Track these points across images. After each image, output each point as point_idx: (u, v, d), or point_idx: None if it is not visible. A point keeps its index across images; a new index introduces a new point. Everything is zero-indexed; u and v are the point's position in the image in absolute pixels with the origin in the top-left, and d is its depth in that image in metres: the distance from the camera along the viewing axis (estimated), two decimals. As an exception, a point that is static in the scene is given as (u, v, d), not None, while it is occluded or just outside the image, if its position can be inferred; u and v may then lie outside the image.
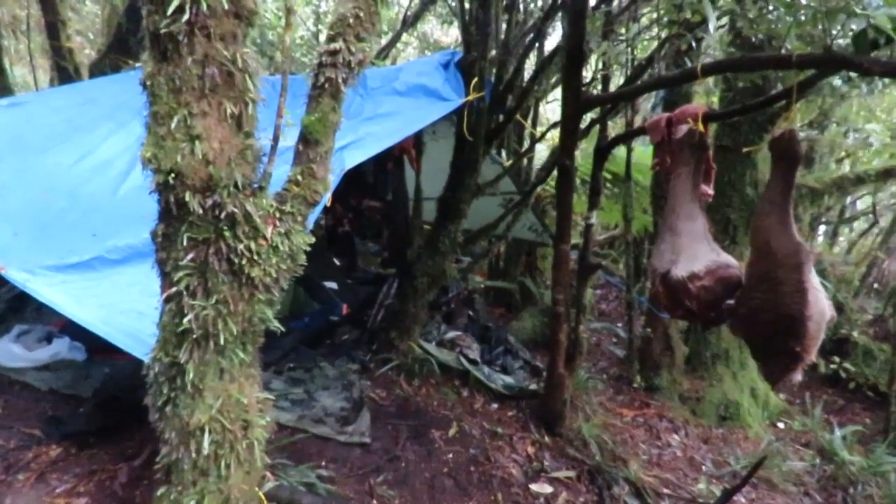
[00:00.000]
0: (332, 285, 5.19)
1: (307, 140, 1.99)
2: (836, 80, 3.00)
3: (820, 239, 9.65)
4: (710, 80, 5.12)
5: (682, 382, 5.62)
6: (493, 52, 3.90)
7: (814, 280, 2.31)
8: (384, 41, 7.73)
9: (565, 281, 4.08)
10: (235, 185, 1.82)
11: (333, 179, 3.13)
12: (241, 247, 1.87)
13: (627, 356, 5.76)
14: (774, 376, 2.49)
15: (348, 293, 5.14)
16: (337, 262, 5.73)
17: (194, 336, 1.91)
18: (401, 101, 3.85)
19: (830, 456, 5.00)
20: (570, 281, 4.12)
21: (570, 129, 3.38)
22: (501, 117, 4.25)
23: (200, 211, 1.82)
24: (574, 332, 4.24)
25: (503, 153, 5.36)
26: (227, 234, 1.86)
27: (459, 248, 4.32)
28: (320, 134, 1.97)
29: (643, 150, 5.68)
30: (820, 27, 2.21)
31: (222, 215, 1.82)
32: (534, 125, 5.40)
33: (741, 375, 5.78)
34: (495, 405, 4.62)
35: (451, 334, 5.16)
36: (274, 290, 1.96)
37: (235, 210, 1.84)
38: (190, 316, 1.88)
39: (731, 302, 2.65)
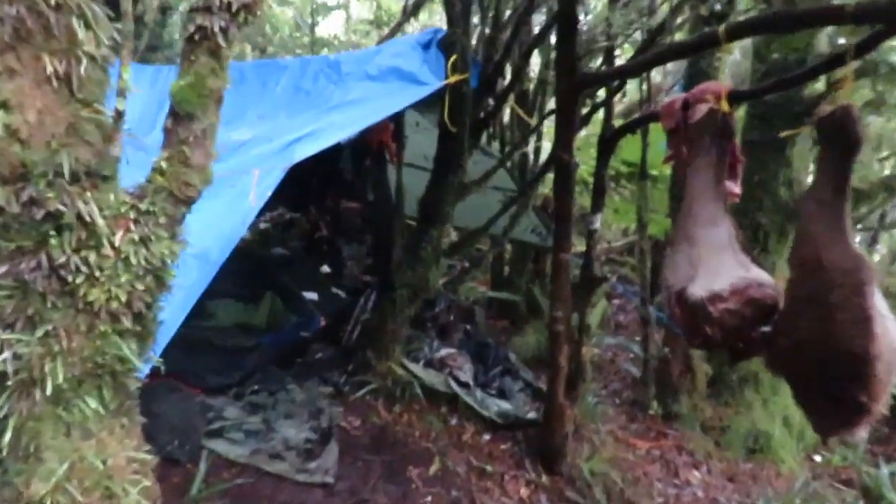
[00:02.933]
0: (313, 296, 4.67)
1: (177, 115, 1.46)
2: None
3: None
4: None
5: (704, 409, 4.97)
6: (481, 28, 3.35)
7: (880, 306, 1.71)
8: (385, 31, 7.22)
9: (565, 295, 3.50)
10: (59, 173, 1.30)
11: (275, 177, 2.65)
12: (75, 259, 1.35)
13: (643, 378, 5.13)
14: (828, 430, 1.89)
15: (330, 305, 4.61)
16: (327, 269, 5.22)
17: (15, 381, 1.38)
18: (372, 87, 3.33)
19: (876, 498, 4.32)
20: (571, 295, 3.54)
21: (566, 114, 2.81)
22: (492, 104, 3.70)
23: (16, 209, 1.30)
24: (576, 354, 3.65)
25: (495, 146, 4.78)
26: (53, 241, 1.33)
27: (445, 255, 3.76)
28: (194, 105, 1.44)
29: (662, 142, 5.04)
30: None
31: (40, 215, 1.30)
32: (540, 116, 4.80)
33: (772, 402, 5.10)
34: (487, 436, 4.04)
35: (443, 352, 4.60)
36: (125, 318, 1.42)
37: (63, 208, 1.31)
38: (6, 355, 1.36)
39: (766, 329, 2.05)
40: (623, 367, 6.01)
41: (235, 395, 3.75)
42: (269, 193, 2.56)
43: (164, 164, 1.45)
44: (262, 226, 5.61)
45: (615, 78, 3.10)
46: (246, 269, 4.89)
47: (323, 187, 4.59)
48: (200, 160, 1.48)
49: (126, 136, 1.45)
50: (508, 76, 3.97)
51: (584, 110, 3.67)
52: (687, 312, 2.31)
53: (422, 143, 4.41)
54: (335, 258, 4.82)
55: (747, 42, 4.79)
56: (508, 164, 4.42)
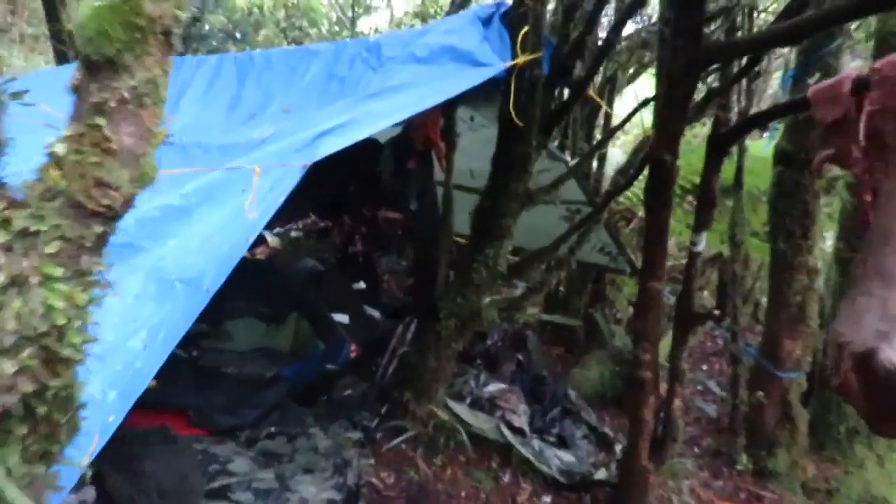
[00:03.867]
0: (343, 318, 4.05)
1: (90, 62, 0.82)
2: None
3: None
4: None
5: (805, 466, 4.13)
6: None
7: None
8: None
9: (655, 334, 2.78)
10: None
11: (291, 178, 2.02)
12: None
13: (731, 426, 4.32)
14: None
15: (363, 331, 3.98)
16: (362, 285, 4.59)
17: None
18: (419, 70, 2.68)
19: None
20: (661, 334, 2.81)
21: (675, 100, 2.10)
22: (567, 94, 3.01)
23: None
24: (667, 408, 2.92)
25: (566, 151, 4.07)
26: None
27: (503, 278, 3.07)
28: (119, 45, 0.80)
29: (760, 147, 4.25)
30: None
31: None
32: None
33: (889, 459, 4.23)
34: (547, 498, 3.33)
35: (492, 388, 3.91)
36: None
37: None
38: None
39: None
40: (698, 406, 5.19)
41: (247, 441, 3.14)
42: (283, 199, 1.93)
43: (62, 150, 0.81)
44: (294, 234, 5.04)
45: (758, 49, 2.34)
46: (271, 283, 4.31)
47: (360, 194, 3.97)
48: (131, 142, 0.84)
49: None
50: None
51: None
52: (877, 382, 1.56)
53: (471, 150, 3.74)
54: (371, 275, 4.20)
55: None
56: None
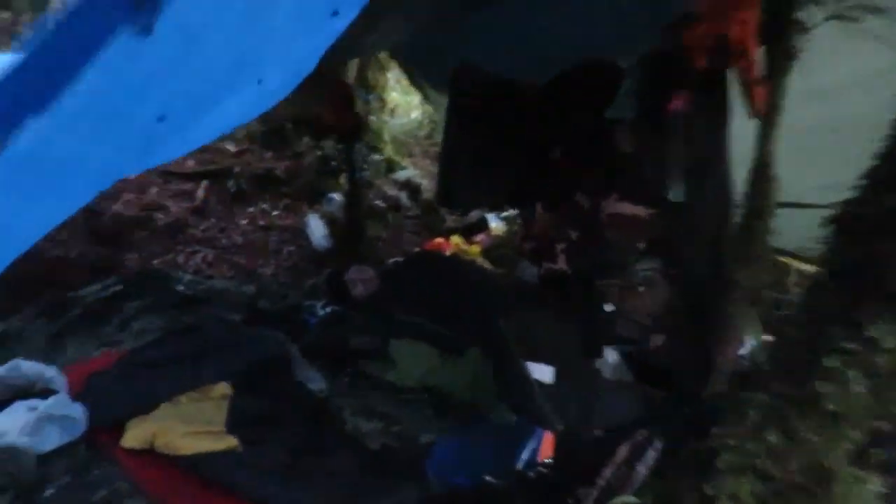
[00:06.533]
0: (545, 372, 2.52)
1: None
2: None
3: None
4: None
5: None
6: None
7: None
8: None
9: None
10: None
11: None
12: None
13: None
14: None
15: (574, 404, 2.37)
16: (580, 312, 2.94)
17: None
18: None
19: None
20: None
21: None
22: None
23: None
24: None
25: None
26: None
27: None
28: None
29: None
30: None
31: None
32: None
33: None
34: None
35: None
36: None
37: None
38: None
39: None
40: None
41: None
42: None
43: None
44: (495, 225, 3.61)
45: None
46: (460, 293, 2.97)
47: (569, 164, 2.28)
48: None
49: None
50: None
51: None
52: None
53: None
54: (589, 307, 2.51)
55: None
56: None
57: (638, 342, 3.07)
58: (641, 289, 4.57)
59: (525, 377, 2.37)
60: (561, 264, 2.31)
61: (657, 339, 2.43)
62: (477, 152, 2.26)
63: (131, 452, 1.96)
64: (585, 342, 2.44)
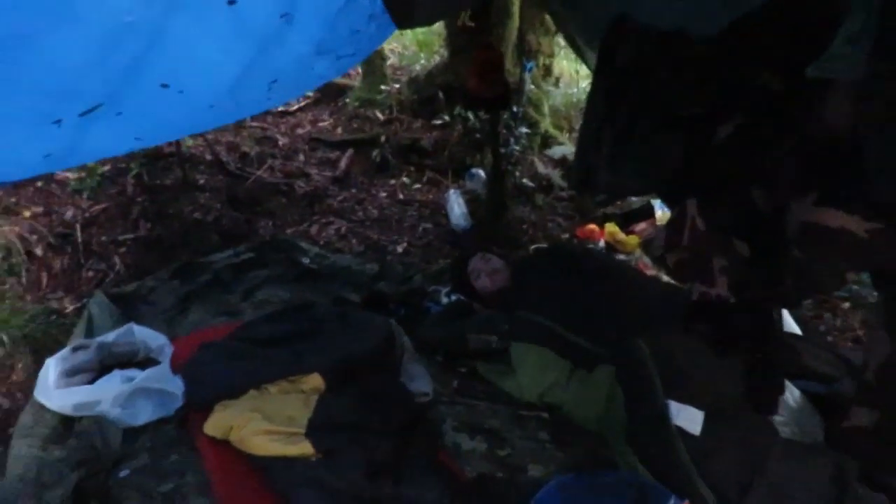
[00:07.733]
0: (693, 418, 1.97)
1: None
2: None
3: None
4: None
5: None
6: None
7: None
8: None
9: None
10: None
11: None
12: None
13: None
14: None
15: (733, 461, 1.81)
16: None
17: None
18: None
19: None
20: None
21: None
22: None
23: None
24: None
25: None
26: None
27: None
28: None
29: None
30: None
31: None
32: None
33: None
34: None
35: None
36: None
37: None
38: None
39: None
40: None
41: None
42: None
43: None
44: (661, 213, 3.03)
45: None
46: (605, 295, 2.47)
47: (747, 148, 1.57)
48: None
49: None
50: None
51: None
52: None
53: None
54: (763, 348, 1.84)
55: None
56: None
57: (835, 382, 2.35)
58: (846, 305, 3.46)
59: (664, 420, 1.85)
60: (720, 289, 1.66)
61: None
62: (625, 126, 1.73)
63: (212, 441, 1.84)
64: (753, 391, 1.83)
